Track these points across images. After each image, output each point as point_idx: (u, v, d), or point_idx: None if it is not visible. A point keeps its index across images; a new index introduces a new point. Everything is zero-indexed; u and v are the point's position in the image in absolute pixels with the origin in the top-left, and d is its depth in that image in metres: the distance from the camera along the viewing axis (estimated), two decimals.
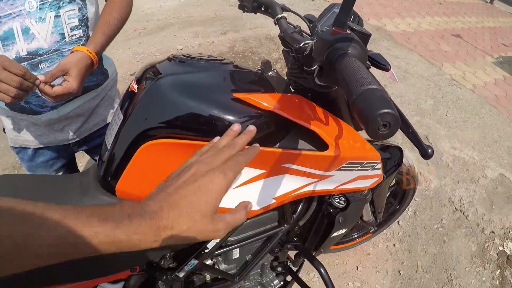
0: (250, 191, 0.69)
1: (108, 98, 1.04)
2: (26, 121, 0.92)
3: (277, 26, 0.85)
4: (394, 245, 1.71)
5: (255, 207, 0.71)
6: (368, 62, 0.67)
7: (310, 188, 0.77)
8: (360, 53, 0.54)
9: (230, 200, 0.53)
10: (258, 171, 0.68)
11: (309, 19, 0.87)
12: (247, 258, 0.92)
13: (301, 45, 0.69)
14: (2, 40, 0.75)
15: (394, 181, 1.41)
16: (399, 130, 0.48)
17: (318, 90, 0.74)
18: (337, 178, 0.79)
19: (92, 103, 0.99)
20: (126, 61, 2.85)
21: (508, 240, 1.91)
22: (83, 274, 0.67)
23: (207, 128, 0.60)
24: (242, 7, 1.00)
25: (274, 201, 0.73)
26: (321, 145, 0.69)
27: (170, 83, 0.62)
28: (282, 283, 1.04)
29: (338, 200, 0.91)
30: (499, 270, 1.73)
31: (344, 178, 0.81)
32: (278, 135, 0.68)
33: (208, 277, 0.92)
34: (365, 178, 0.86)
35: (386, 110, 0.39)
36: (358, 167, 0.79)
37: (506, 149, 2.51)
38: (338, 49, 0.54)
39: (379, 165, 0.86)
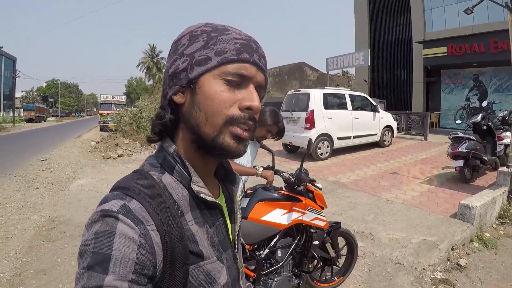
0: (283, 216, 2.20)
1: None
2: None
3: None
4: (359, 285, 2.90)
5: (285, 222, 2.19)
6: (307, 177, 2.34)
7: (302, 217, 2.27)
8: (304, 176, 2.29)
9: (276, 216, 2.16)
10: (285, 210, 2.22)
11: (292, 174, 2.52)
12: (284, 257, 2.25)
13: (291, 180, 2.37)
14: None
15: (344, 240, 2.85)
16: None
17: (297, 191, 2.36)
18: (309, 214, 2.31)
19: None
20: None
21: (436, 271, 3.10)
22: None
23: None
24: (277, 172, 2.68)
25: (291, 221, 2.22)
26: (300, 201, 2.30)
27: None
28: (298, 281, 2.35)
29: (313, 230, 2.36)
30: (433, 286, 2.88)
31: (311, 216, 2.33)
32: (291, 200, 2.28)
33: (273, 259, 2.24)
34: (319, 220, 2.37)
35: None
36: (314, 211, 2.35)
37: (426, 227, 3.93)
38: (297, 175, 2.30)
39: (323, 214, 2.41)
